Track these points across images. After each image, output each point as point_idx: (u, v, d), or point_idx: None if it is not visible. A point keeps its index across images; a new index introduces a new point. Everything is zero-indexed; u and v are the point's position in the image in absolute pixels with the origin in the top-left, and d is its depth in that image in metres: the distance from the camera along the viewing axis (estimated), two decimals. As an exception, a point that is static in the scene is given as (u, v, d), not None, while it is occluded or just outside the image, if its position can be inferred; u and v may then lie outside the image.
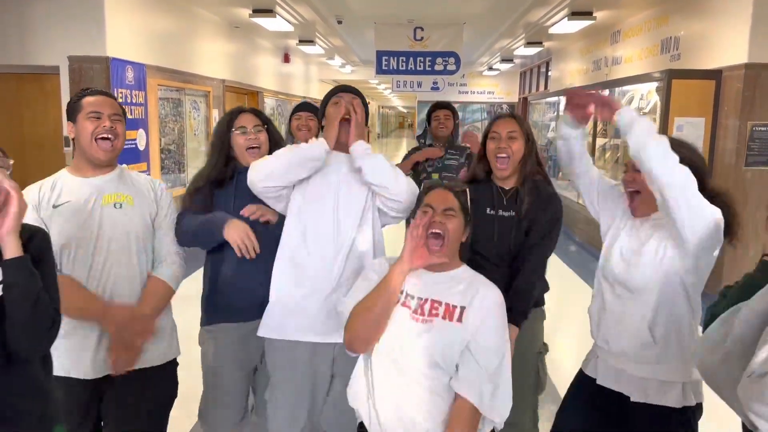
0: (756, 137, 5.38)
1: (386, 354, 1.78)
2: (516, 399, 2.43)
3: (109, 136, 2.03)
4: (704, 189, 1.85)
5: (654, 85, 6.39)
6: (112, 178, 2.10)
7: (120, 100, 5.60)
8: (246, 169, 2.24)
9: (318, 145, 2.16)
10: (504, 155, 2.33)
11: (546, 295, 2.57)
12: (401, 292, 1.82)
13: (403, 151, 27.96)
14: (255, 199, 2.25)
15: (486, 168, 2.43)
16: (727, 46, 5.60)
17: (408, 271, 1.79)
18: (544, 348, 2.57)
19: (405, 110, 53.11)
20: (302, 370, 2.19)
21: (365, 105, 2.28)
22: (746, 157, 5.43)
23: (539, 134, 11.68)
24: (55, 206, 1.99)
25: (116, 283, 2.03)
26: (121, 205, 2.06)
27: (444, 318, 1.76)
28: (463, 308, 1.77)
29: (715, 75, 5.70)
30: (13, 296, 1.41)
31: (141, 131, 6.08)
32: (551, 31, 8.61)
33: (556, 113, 10.77)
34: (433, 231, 1.80)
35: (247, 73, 9.90)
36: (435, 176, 3.86)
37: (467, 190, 1.95)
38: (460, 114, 16.81)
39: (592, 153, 8.69)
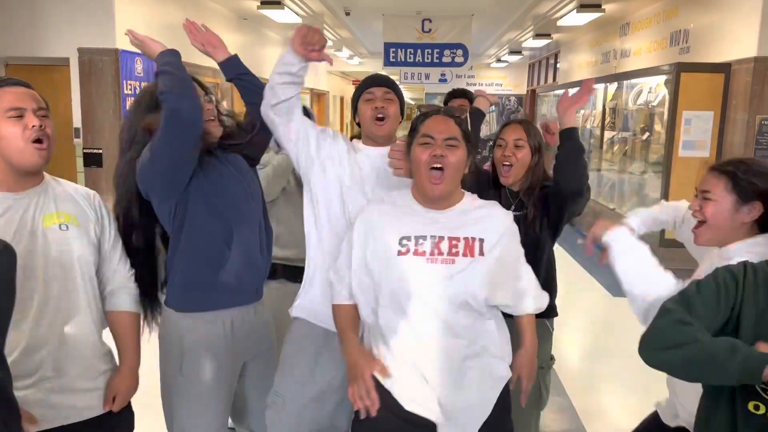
0: (764, 131, 5.36)
1: (399, 307, 1.68)
2: (518, 414, 2.44)
3: (41, 137, 1.66)
4: None
5: (662, 78, 6.36)
6: (44, 192, 1.75)
7: (129, 92, 5.70)
8: (216, 144, 2.03)
9: (286, 51, 1.95)
10: (508, 163, 2.30)
11: None
12: (408, 239, 1.69)
13: (410, 143, 27.93)
14: (246, 174, 2.09)
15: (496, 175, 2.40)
16: (736, 40, 5.57)
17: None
18: (550, 362, 2.55)
19: (413, 102, 52.92)
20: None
21: (400, 98, 2.10)
22: (754, 151, 5.40)
23: (547, 127, 11.64)
24: None
25: (71, 318, 1.72)
26: (67, 226, 1.74)
27: (465, 255, 1.67)
28: (482, 240, 1.70)
29: (724, 68, 5.67)
30: None
31: (150, 123, 6.12)
32: (560, 23, 8.57)
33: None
34: (434, 166, 1.67)
35: (255, 65, 9.89)
36: None
37: (467, 116, 1.88)
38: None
39: (600, 146, 8.67)
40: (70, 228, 1.74)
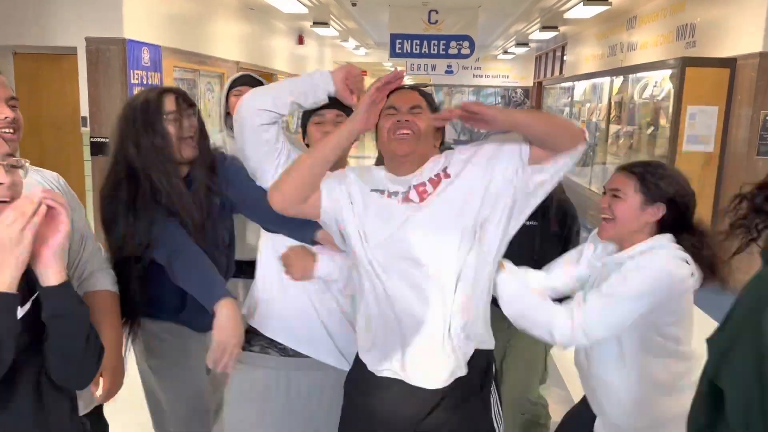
0: (769, 127, 5.37)
1: (385, 257, 1.59)
2: (528, 387, 2.53)
3: (9, 129, 1.57)
4: (684, 227, 1.75)
5: (668, 72, 6.36)
6: None
7: (136, 82, 5.74)
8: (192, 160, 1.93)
9: (320, 75, 1.81)
10: None
11: None
12: (382, 192, 1.65)
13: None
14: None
15: None
16: (742, 35, 5.56)
17: (360, 130, 1.60)
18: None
19: (419, 93, 52.85)
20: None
21: None
22: (758, 147, 5.41)
23: (553, 119, 11.62)
24: None
25: None
26: None
27: (434, 192, 1.60)
28: (444, 169, 1.63)
29: (730, 63, 5.66)
30: (62, 329, 1.20)
31: (156, 112, 6.16)
32: (567, 15, 8.56)
33: (570, 98, 10.73)
34: (402, 132, 1.61)
35: (262, 55, 9.93)
36: None
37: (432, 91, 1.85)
38: (474, 98, 16.71)
39: (605, 139, 8.66)
40: None
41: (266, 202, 1.69)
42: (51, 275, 1.18)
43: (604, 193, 1.85)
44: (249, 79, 2.90)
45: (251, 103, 1.78)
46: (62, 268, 1.20)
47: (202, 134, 1.97)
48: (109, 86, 5.57)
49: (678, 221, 1.74)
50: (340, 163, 1.88)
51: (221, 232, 2.05)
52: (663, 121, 6.49)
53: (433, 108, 1.69)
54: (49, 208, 1.18)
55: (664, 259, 1.67)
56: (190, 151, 1.91)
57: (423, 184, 1.62)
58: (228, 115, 2.90)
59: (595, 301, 1.65)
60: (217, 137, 2.94)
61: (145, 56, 5.91)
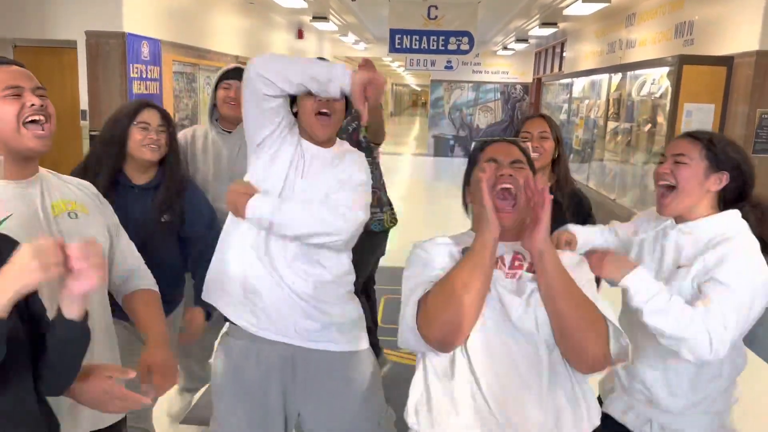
0: (765, 125, 5.39)
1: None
2: None
3: (40, 117, 1.54)
4: (744, 199, 1.69)
5: (666, 69, 6.38)
6: (45, 180, 1.63)
7: (135, 76, 5.76)
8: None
9: (341, 69, 1.71)
10: (537, 154, 2.38)
11: None
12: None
13: (415, 131, 27.14)
14: (148, 202, 2.23)
15: None
16: (739, 33, 5.58)
17: (497, 236, 1.38)
18: None
19: (419, 88, 52.73)
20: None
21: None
22: (754, 145, 5.44)
23: (552, 115, 11.66)
24: None
25: (91, 308, 1.51)
26: (76, 214, 1.62)
27: (529, 271, 1.44)
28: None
29: (727, 61, 5.68)
30: (66, 352, 1.29)
31: (156, 106, 6.18)
32: (566, 12, 8.57)
33: (569, 95, 10.75)
34: (503, 186, 1.45)
35: (261, 49, 9.93)
36: None
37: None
38: (473, 94, 16.60)
39: (603, 136, 8.69)
40: (79, 216, 1.63)
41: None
42: (74, 310, 1.23)
43: (660, 162, 1.73)
44: (239, 73, 2.82)
45: (261, 67, 1.75)
46: (84, 305, 1.24)
47: (174, 153, 2.31)
48: (109, 80, 5.60)
49: (737, 193, 1.67)
50: (328, 141, 1.93)
51: (165, 248, 2.29)
52: (660, 119, 6.52)
53: (531, 165, 1.59)
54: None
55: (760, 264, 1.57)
56: (149, 155, 2.21)
57: (522, 256, 1.47)
58: (215, 106, 2.95)
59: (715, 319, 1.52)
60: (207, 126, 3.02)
61: (145, 50, 5.93)
